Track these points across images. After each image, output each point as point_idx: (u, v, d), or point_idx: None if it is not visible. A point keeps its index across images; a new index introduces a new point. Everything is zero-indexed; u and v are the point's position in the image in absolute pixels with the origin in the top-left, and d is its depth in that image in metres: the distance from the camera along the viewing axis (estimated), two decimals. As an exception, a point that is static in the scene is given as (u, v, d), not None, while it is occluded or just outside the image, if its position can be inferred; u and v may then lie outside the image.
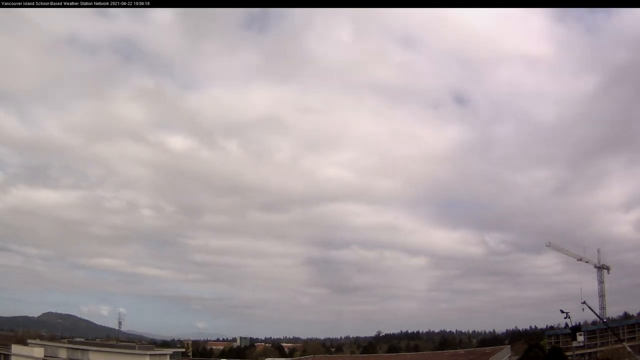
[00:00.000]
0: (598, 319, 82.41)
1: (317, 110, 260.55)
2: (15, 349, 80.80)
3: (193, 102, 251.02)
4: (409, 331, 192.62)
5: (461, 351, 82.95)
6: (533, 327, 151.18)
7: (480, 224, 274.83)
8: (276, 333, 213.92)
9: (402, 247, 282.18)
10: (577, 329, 56.31)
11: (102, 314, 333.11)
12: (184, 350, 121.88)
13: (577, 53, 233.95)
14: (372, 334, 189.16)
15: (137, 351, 77.96)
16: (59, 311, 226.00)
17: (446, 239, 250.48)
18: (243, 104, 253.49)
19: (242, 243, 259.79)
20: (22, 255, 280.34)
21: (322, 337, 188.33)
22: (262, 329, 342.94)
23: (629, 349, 71.98)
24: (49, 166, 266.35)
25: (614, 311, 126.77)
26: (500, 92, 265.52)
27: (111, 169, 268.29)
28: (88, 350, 78.29)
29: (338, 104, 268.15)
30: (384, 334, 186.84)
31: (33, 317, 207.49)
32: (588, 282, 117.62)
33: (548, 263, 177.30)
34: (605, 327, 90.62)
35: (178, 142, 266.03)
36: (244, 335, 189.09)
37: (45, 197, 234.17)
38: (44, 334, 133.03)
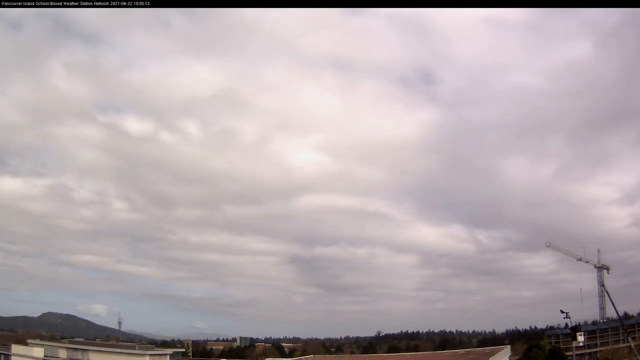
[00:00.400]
0: (602, 318, 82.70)
1: (275, 87, 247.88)
2: (15, 349, 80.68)
3: (139, 80, 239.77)
4: (409, 331, 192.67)
5: (461, 351, 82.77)
6: (533, 327, 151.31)
7: (473, 219, 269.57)
8: (276, 333, 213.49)
9: (393, 244, 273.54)
10: (577, 329, 56.50)
11: (94, 312, 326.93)
12: (184, 350, 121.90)
13: (564, 11, 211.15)
14: (372, 334, 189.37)
15: (137, 351, 78.19)
16: (59, 311, 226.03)
17: (438, 235, 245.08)
18: (192, 80, 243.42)
19: (222, 239, 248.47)
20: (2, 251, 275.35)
21: (322, 337, 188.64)
22: (262, 329, 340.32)
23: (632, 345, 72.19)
24: (5, 152, 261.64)
25: (613, 311, 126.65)
26: (475, 64, 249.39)
27: (68, 154, 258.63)
28: (88, 350, 78.43)
29: (296, 79, 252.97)
30: (384, 334, 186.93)
31: (33, 317, 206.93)
32: (588, 282, 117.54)
33: (547, 262, 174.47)
34: (610, 326, 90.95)
35: (134, 125, 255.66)
36: (244, 335, 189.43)
37: (8, 186, 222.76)
38: (44, 334, 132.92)
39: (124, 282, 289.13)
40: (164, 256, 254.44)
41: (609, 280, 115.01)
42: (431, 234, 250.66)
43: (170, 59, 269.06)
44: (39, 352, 77.38)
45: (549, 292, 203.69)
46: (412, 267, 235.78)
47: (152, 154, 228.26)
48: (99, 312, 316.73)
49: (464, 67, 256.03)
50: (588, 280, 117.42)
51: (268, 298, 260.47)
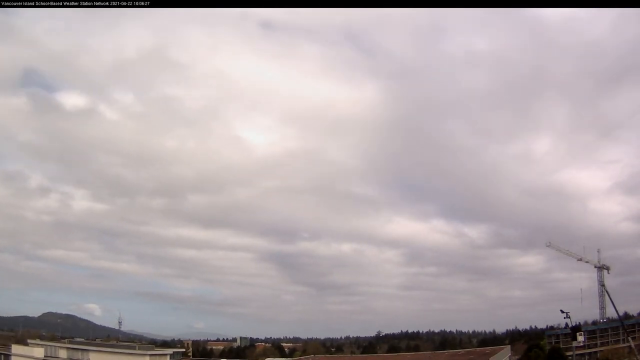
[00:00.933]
0: (602, 318, 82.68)
1: (206, 49, 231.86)
2: (15, 349, 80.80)
3: (57, 45, 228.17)
4: (409, 331, 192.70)
5: (461, 351, 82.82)
6: (533, 327, 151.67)
7: (461, 213, 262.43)
8: (276, 333, 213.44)
9: (377, 238, 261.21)
10: (577, 329, 56.47)
11: (87, 311, 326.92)
12: (184, 350, 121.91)
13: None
14: (372, 334, 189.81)
15: (137, 351, 78.21)
16: (59, 311, 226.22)
17: (423, 229, 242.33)
18: (117, 42, 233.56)
19: (194, 234, 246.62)
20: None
21: (322, 337, 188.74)
22: (262, 329, 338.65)
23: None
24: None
25: (613, 311, 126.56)
26: (439, 25, 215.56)
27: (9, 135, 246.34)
28: (88, 350, 78.44)
29: (224, 42, 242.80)
30: (384, 334, 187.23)
31: (33, 317, 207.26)
32: (588, 281, 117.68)
33: (544, 261, 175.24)
34: (610, 326, 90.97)
35: (69, 99, 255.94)
36: (244, 335, 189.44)
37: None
38: (44, 334, 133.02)
39: (108, 278, 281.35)
40: (141, 251, 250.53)
41: (610, 280, 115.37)
42: (414, 228, 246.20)
43: (86, 23, 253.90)
44: (39, 352, 77.50)
45: (548, 291, 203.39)
46: (399, 264, 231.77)
47: (92, 133, 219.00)
48: (92, 311, 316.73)
49: (423, 27, 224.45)
50: (587, 280, 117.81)
51: (258, 297, 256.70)
